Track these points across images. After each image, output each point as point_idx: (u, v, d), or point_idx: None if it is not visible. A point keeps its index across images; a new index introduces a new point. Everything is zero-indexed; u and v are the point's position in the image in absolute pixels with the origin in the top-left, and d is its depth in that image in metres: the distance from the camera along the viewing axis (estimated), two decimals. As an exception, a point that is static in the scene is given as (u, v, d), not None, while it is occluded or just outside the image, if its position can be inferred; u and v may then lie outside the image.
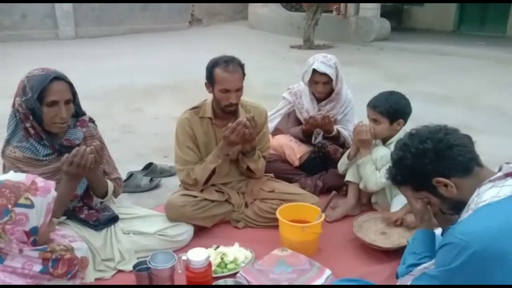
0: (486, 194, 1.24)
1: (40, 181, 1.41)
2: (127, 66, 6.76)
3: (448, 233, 1.25)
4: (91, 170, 1.89)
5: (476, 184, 1.28)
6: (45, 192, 1.38)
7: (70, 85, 1.93)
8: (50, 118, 1.88)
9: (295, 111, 2.97)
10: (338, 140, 2.84)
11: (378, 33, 8.91)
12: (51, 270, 1.44)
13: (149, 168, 3.09)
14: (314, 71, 2.72)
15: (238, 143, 2.27)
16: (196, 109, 2.43)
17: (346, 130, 2.86)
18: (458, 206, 1.33)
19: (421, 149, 1.31)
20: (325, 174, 2.79)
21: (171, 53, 7.99)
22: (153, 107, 4.81)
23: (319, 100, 2.88)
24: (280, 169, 2.81)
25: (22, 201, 1.32)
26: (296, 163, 2.85)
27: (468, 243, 1.16)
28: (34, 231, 1.35)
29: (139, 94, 5.31)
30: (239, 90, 2.29)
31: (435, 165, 1.30)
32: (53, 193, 1.42)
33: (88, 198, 2.09)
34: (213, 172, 2.33)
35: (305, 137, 2.90)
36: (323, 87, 2.78)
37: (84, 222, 2.06)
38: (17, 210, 1.30)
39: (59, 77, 1.88)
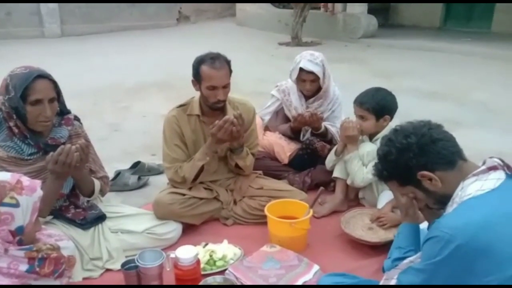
0: (470, 188, 1.26)
1: (26, 180, 1.40)
2: (114, 64, 6.71)
3: (433, 227, 1.26)
4: (77, 169, 1.87)
5: (460, 177, 1.30)
6: (30, 191, 1.37)
7: (54, 83, 1.90)
8: (34, 117, 1.85)
9: (284, 108, 2.97)
10: (326, 137, 2.85)
11: (365, 30, 8.95)
12: (37, 269, 1.43)
13: (137, 166, 3.07)
14: (301, 69, 2.73)
15: (226, 140, 2.27)
16: (183, 106, 2.43)
17: (333, 127, 2.87)
18: (443, 200, 1.35)
19: (405, 143, 1.33)
20: (313, 170, 2.80)
21: (159, 50, 7.95)
22: (141, 105, 4.78)
23: (307, 98, 2.89)
24: (269, 166, 2.81)
25: (7, 200, 1.31)
26: (285, 161, 2.86)
27: (453, 236, 1.17)
28: (19, 230, 1.34)
29: (126, 92, 5.27)
30: (226, 86, 2.29)
31: (419, 159, 1.32)
32: (39, 192, 1.40)
33: (74, 197, 2.07)
34: (201, 169, 2.33)
35: (294, 134, 2.91)
36: (310, 85, 2.79)
37: (71, 221, 2.05)
38: (2, 209, 1.29)
39: (42, 75, 1.85)
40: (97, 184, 2.11)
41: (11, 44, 8.41)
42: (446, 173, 1.31)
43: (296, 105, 2.89)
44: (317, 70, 2.72)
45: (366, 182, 2.39)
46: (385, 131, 2.41)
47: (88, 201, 2.11)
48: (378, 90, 2.43)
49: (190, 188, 2.37)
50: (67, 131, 2.02)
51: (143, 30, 10.26)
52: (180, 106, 2.43)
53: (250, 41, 9.07)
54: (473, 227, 1.17)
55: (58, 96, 1.94)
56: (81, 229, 2.05)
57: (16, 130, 1.87)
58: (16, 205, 1.32)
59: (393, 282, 1.40)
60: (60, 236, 1.69)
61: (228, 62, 2.30)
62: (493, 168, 1.28)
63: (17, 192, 1.34)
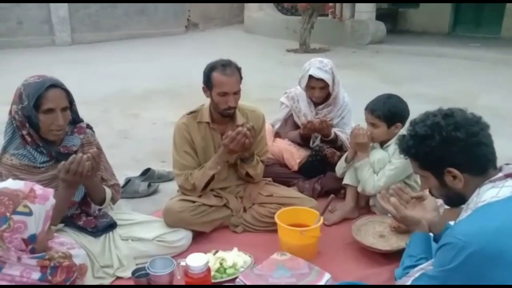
0: (486, 195, 1.24)
1: (39, 189, 1.41)
2: (123, 72, 6.77)
3: (447, 233, 1.25)
4: (88, 177, 1.88)
5: (481, 183, 1.27)
6: (43, 200, 1.38)
7: (67, 92, 1.92)
8: (47, 126, 1.87)
9: (293, 115, 2.97)
10: (335, 143, 2.84)
11: (373, 36, 8.94)
12: (49, 277, 1.43)
13: (146, 173, 3.09)
14: (311, 76, 2.73)
15: (238, 151, 2.27)
16: (193, 113, 2.43)
17: (343, 133, 2.87)
18: (455, 197, 1.33)
19: (453, 136, 1.25)
20: (322, 177, 2.79)
21: (168, 58, 8.00)
22: (150, 112, 4.81)
23: (316, 104, 2.89)
24: (278, 173, 2.81)
25: (20, 208, 1.31)
26: (295, 168, 2.85)
27: (467, 243, 1.16)
28: (32, 238, 1.34)
29: (136, 99, 5.31)
30: (237, 93, 2.30)
31: (458, 156, 1.25)
32: (52, 201, 1.41)
33: (86, 205, 2.08)
34: (212, 178, 2.33)
35: (303, 141, 2.91)
36: (319, 92, 2.79)
37: (82, 229, 2.06)
38: (16, 217, 1.29)
39: (55, 85, 1.87)
40: (108, 192, 2.12)
41: (22, 53, 8.52)
42: (473, 178, 1.28)
43: (306, 112, 2.89)
44: (326, 77, 2.72)
45: (377, 189, 2.36)
46: (396, 138, 2.39)
47: (99, 210, 2.12)
48: (389, 97, 2.41)
49: (200, 196, 2.37)
50: (79, 139, 2.03)
51: (152, 38, 10.35)
52: (190, 113, 2.44)
53: (258, 48, 9.10)
54: (487, 234, 1.15)
55: (70, 105, 1.95)
56: (92, 237, 2.06)
57: (29, 139, 1.88)
58: (29, 213, 1.32)
59: None
60: (72, 245, 1.70)
61: (239, 69, 2.31)
62: (510, 176, 1.26)
63: (30, 200, 1.34)
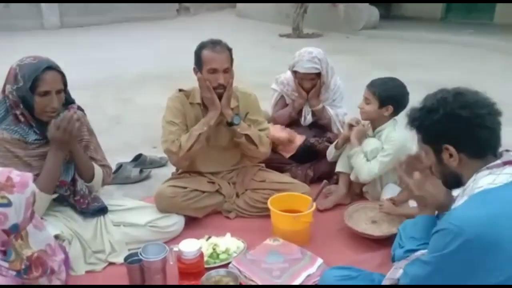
0: (482, 181, 1.24)
1: (16, 176, 1.35)
2: (114, 56, 6.67)
3: (443, 219, 1.24)
4: (75, 140, 1.92)
5: (478, 168, 1.27)
6: (22, 187, 1.32)
7: (62, 75, 1.92)
8: (42, 107, 1.87)
9: (284, 98, 2.98)
10: (323, 119, 2.88)
11: (367, 22, 8.88)
12: (25, 276, 1.38)
13: (138, 159, 3.06)
14: (298, 72, 2.75)
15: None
16: (185, 92, 2.41)
17: (332, 109, 2.89)
18: (450, 178, 1.33)
19: (457, 113, 1.25)
20: (315, 163, 2.79)
21: (159, 42, 7.90)
22: (142, 97, 4.75)
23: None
24: (271, 158, 2.79)
25: None
26: (287, 156, 2.85)
27: (462, 229, 1.15)
28: (14, 228, 1.29)
29: (127, 84, 5.24)
30: (227, 71, 2.27)
31: (457, 134, 1.26)
32: (32, 187, 1.35)
33: (74, 185, 2.04)
34: (197, 140, 2.26)
35: (295, 115, 2.93)
36: (309, 83, 2.80)
37: (73, 207, 2.05)
38: None
39: (51, 67, 1.87)
40: (98, 169, 2.10)
41: (10, 35, 8.33)
42: (469, 160, 1.28)
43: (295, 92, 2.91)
44: (316, 70, 2.73)
45: (372, 176, 2.37)
46: (389, 124, 2.39)
47: (89, 192, 2.08)
48: (393, 80, 2.41)
49: (190, 176, 2.38)
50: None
51: (143, 22, 10.17)
52: (182, 90, 2.41)
53: (251, 32, 9.01)
54: (482, 221, 1.15)
55: (64, 87, 1.95)
56: (82, 218, 2.05)
57: (22, 119, 1.88)
58: (8, 204, 1.27)
59: (401, 272, 1.39)
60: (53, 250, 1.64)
61: (229, 49, 2.29)
62: (508, 163, 1.25)
63: (8, 190, 1.29)
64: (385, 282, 1.48)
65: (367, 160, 2.37)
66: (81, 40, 8.18)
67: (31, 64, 1.84)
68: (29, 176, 1.39)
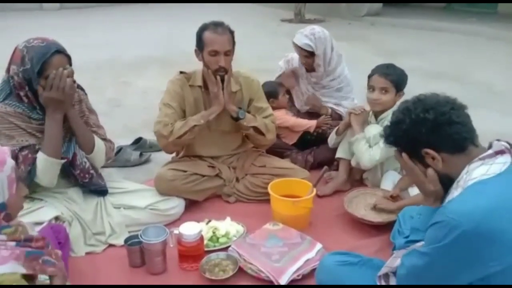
0: (475, 172, 1.24)
1: None
2: (113, 38, 6.62)
3: (439, 212, 1.25)
4: (69, 99, 1.90)
5: (466, 162, 1.28)
6: (0, 165, 1.26)
7: (69, 58, 1.91)
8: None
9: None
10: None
11: (369, 8, 8.80)
12: (28, 243, 1.36)
13: (138, 142, 3.06)
14: (294, 43, 2.78)
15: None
16: (186, 75, 2.39)
17: (340, 107, 2.91)
18: (444, 180, 1.33)
19: (421, 118, 1.28)
20: (315, 149, 2.79)
21: (158, 25, 7.83)
22: (141, 80, 4.72)
23: (308, 70, 2.92)
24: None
25: None
26: (293, 140, 2.87)
27: (459, 221, 1.16)
28: (2, 207, 1.26)
29: (126, 67, 5.20)
30: (228, 54, 2.25)
31: (429, 136, 1.28)
32: (10, 162, 1.29)
33: (74, 158, 2.02)
34: (191, 130, 2.26)
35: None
36: (304, 59, 2.83)
37: (75, 183, 2.05)
38: None
39: (59, 50, 1.85)
40: (99, 142, 2.09)
41: (9, 16, 8.26)
42: (451, 156, 1.28)
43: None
44: (307, 46, 2.74)
45: (373, 163, 2.36)
46: (393, 109, 2.38)
47: (87, 162, 2.06)
48: (393, 65, 2.39)
49: (190, 161, 2.41)
50: None
51: (142, 4, 10.07)
52: (183, 73, 2.40)
53: (252, 17, 8.93)
54: (479, 213, 1.15)
55: None
56: (83, 200, 2.06)
57: (26, 100, 1.88)
58: None
59: (399, 261, 1.40)
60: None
61: (231, 31, 2.27)
62: (500, 152, 1.25)
63: None
64: (383, 270, 1.49)
65: (369, 146, 2.37)
66: (80, 21, 8.11)
67: (39, 47, 1.82)
68: (4, 151, 1.32)
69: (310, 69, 2.86)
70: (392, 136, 1.38)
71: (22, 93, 1.86)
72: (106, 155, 2.14)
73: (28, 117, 1.90)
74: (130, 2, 10.08)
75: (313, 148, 2.81)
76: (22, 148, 1.86)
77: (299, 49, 2.78)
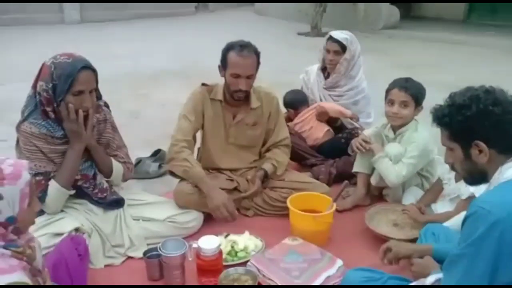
0: (508, 172, 1.25)
1: (8, 166, 1.28)
2: (133, 51, 6.71)
3: (472, 205, 1.24)
4: (89, 133, 1.94)
5: (502, 162, 1.29)
6: (14, 179, 1.26)
7: (95, 73, 1.92)
8: (75, 107, 1.86)
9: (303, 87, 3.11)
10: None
11: (386, 21, 8.78)
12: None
13: (157, 154, 3.07)
14: (329, 37, 2.87)
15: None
16: (207, 87, 2.40)
17: (356, 123, 2.95)
18: (476, 174, 1.34)
19: (489, 110, 1.27)
20: (338, 161, 2.78)
21: (178, 38, 7.92)
22: (160, 93, 4.77)
23: (326, 77, 2.98)
24: (298, 143, 2.82)
25: None
26: (320, 134, 2.93)
27: (490, 211, 1.16)
28: (10, 220, 1.25)
29: (145, 80, 5.27)
30: (250, 77, 2.25)
31: (489, 131, 1.27)
32: (26, 177, 1.29)
33: (95, 178, 2.05)
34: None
35: None
36: (333, 55, 2.85)
37: (90, 199, 2.06)
38: None
39: (86, 66, 1.86)
40: (118, 166, 2.11)
41: (31, 30, 8.44)
42: (498, 155, 1.29)
43: (313, 83, 3.01)
44: (343, 39, 2.82)
45: (400, 179, 2.29)
46: (411, 125, 2.34)
47: (107, 182, 2.09)
48: (412, 79, 2.36)
49: (209, 170, 2.44)
50: (96, 118, 2.02)
51: (162, 18, 10.22)
52: (205, 85, 2.41)
53: (269, 30, 8.97)
54: (510, 203, 1.16)
55: (96, 84, 1.96)
56: (103, 212, 2.06)
57: (52, 116, 1.89)
58: None
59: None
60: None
61: (257, 53, 2.27)
62: None
63: None
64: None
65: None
66: (100, 35, 8.25)
67: (66, 63, 1.83)
68: (22, 165, 1.32)
69: (332, 69, 2.90)
70: (449, 117, 1.34)
71: (49, 109, 1.87)
72: (124, 176, 2.17)
73: (51, 137, 1.90)
74: (148, 17, 10.24)
75: (335, 160, 2.79)
76: (37, 174, 1.88)
77: (333, 43, 2.83)
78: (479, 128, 1.28)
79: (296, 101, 3.05)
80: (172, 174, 2.38)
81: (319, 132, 2.92)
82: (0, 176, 1.25)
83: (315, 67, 3.02)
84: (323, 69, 3.00)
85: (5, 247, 1.25)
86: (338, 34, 2.86)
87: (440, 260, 1.52)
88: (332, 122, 2.93)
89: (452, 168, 1.46)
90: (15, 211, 1.27)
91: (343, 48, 2.82)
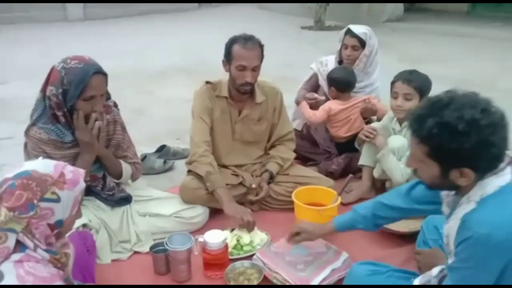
0: (490, 186, 1.19)
1: (69, 172, 1.33)
2: (137, 48, 6.72)
3: (466, 228, 1.19)
4: (100, 143, 1.94)
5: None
6: (73, 185, 1.31)
7: (105, 76, 1.90)
8: (85, 111, 1.86)
9: (317, 78, 2.98)
10: None
11: (391, 14, 8.72)
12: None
13: (162, 150, 3.09)
14: (347, 33, 2.80)
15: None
16: (212, 85, 2.41)
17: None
18: (444, 188, 1.30)
19: (490, 141, 1.12)
20: (347, 155, 2.78)
21: (181, 34, 7.92)
22: (164, 89, 4.78)
23: None
24: (299, 145, 2.78)
25: (48, 195, 1.25)
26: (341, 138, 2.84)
27: (491, 234, 1.13)
28: (58, 223, 1.29)
29: (149, 76, 5.28)
30: (255, 69, 2.26)
31: (482, 162, 1.16)
32: (82, 185, 1.35)
33: (105, 179, 2.08)
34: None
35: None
36: (351, 50, 2.81)
37: (97, 196, 2.07)
38: (43, 205, 1.23)
39: (97, 71, 1.83)
40: (126, 167, 2.12)
41: (34, 27, 8.47)
42: (479, 175, 1.21)
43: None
44: (361, 34, 2.76)
45: (405, 177, 2.29)
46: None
47: (118, 185, 2.12)
48: (417, 71, 2.35)
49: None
50: (106, 120, 2.03)
51: (165, 14, 10.21)
52: (209, 83, 2.41)
53: (272, 25, 8.95)
54: (506, 224, 1.12)
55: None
56: (110, 208, 2.08)
57: (63, 120, 1.88)
58: (57, 200, 1.26)
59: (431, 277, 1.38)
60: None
61: (261, 46, 2.27)
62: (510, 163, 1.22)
63: (59, 187, 1.27)
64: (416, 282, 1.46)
65: (397, 159, 2.33)
66: (104, 32, 8.26)
67: (78, 69, 1.80)
68: (81, 173, 1.37)
69: (349, 64, 2.84)
70: (439, 140, 1.14)
71: (59, 113, 1.85)
72: (132, 176, 2.18)
73: (61, 142, 1.89)
74: (151, 13, 10.24)
75: (348, 154, 2.77)
76: None
77: (352, 38, 2.78)
78: (474, 158, 1.14)
79: (347, 84, 2.75)
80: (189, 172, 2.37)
81: (357, 128, 2.75)
82: (62, 180, 1.29)
83: (332, 58, 2.93)
84: (339, 62, 2.92)
85: (46, 251, 1.28)
86: (357, 29, 2.79)
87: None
88: (365, 118, 2.82)
89: (415, 173, 1.32)
90: (65, 216, 1.30)
91: (361, 43, 2.76)
